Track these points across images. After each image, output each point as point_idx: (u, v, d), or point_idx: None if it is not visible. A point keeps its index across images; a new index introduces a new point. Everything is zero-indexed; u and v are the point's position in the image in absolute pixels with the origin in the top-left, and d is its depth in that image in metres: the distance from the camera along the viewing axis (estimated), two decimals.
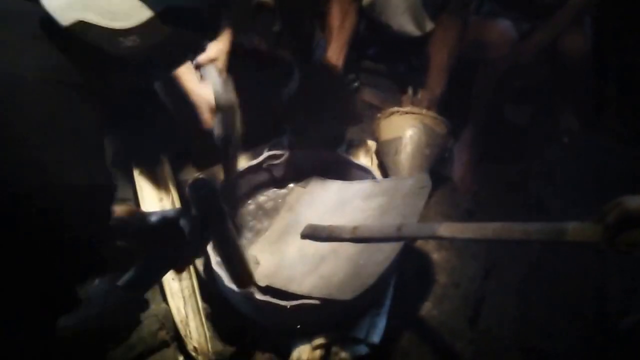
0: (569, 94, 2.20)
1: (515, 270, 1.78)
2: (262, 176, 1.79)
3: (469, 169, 2.03)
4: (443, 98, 1.84)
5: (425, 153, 1.76)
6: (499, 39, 1.83)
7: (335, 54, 1.87)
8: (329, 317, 1.48)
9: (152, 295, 1.64)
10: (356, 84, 1.89)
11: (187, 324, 1.54)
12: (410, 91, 1.89)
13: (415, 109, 1.79)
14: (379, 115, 1.87)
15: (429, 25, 1.97)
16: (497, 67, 1.88)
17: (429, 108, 1.81)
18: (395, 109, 1.82)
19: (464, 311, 1.64)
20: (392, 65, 2.15)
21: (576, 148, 2.19)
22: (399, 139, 1.76)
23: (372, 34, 2.12)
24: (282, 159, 1.75)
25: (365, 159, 1.92)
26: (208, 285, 1.60)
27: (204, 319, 1.56)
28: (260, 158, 1.75)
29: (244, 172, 1.73)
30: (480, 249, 1.78)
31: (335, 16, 1.90)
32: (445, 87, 1.84)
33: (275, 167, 1.77)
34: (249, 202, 1.79)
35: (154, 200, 1.82)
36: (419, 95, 1.86)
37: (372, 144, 1.97)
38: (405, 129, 1.76)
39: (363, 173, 1.76)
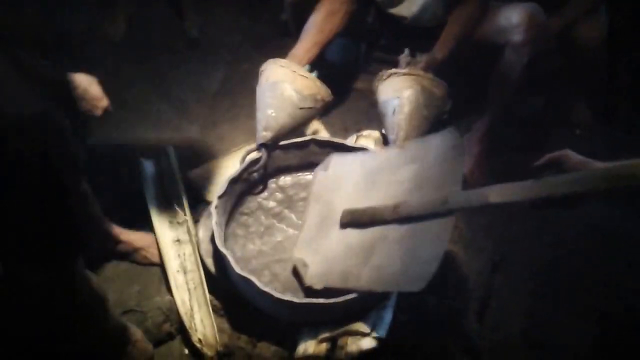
0: (582, 84, 2.16)
1: (524, 265, 1.77)
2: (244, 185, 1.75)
3: (480, 161, 2.00)
4: (442, 64, 1.82)
5: (424, 114, 1.75)
6: (528, 21, 1.78)
7: (302, 51, 1.81)
8: (343, 311, 1.47)
9: (156, 287, 1.65)
10: (313, 75, 1.86)
11: (192, 316, 1.54)
12: (407, 52, 1.87)
13: (413, 71, 1.78)
14: (378, 76, 1.84)
15: (445, 15, 1.93)
16: (524, 53, 1.82)
17: (426, 70, 1.79)
18: (394, 70, 1.80)
19: (472, 305, 1.62)
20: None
21: (589, 140, 2.15)
22: (396, 100, 1.75)
23: (382, 25, 2.09)
24: (261, 162, 1.72)
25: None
26: (216, 278, 1.59)
27: (211, 311, 1.55)
28: (240, 169, 1.70)
29: (231, 183, 1.66)
30: (487, 242, 1.77)
31: (320, 13, 1.85)
32: (447, 55, 1.81)
33: (255, 173, 1.74)
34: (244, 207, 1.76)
35: (158, 193, 1.81)
36: (418, 58, 1.84)
37: (379, 135, 1.95)
38: (403, 90, 1.76)
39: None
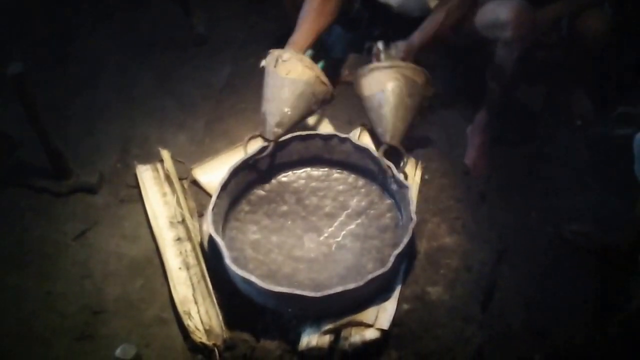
0: (584, 76, 2.15)
1: (529, 254, 1.76)
2: (252, 173, 1.78)
3: (482, 152, 2.00)
4: (420, 52, 1.84)
5: (407, 103, 1.78)
6: (517, 18, 1.78)
7: (301, 39, 1.82)
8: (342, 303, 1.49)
9: (160, 281, 1.66)
10: (321, 64, 1.88)
11: (190, 315, 1.54)
12: (380, 44, 1.87)
13: (394, 62, 1.80)
14: (358, 72, 1.87)
15: (433, 3, 1.93)
16: (515, 48, 1.83)
17: (404, 59, 1.81)
18: (375, 65, 1.82)
19: (476, 296, 1.62)
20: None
21: (590, 131, 2.14)
22: (380, 93, 1.78)
23: (373, 15, 2.09)
24: (267, 151, 1.74)
25: (368, 141, 1.91)
26: (218, 275, 1.60)
27: (215, 302, 1.56)
28: (248, 154, 1.74)
29: (235, 171, 1.70)
30: (491, 233, 1.76)
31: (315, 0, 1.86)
32: (425, 41, 1.83)
33: (261, 160, 1.77)
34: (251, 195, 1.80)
35: (157, 195, 1.83)
36: (392, 47, 1.86)
37: None
38: (386, 82, 1.78)
39: (335, 141, 1.79)
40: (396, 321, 1.51)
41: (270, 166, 1.80)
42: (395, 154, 1.75)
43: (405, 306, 1.56)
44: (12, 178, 1.92)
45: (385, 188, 1.78)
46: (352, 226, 1.72)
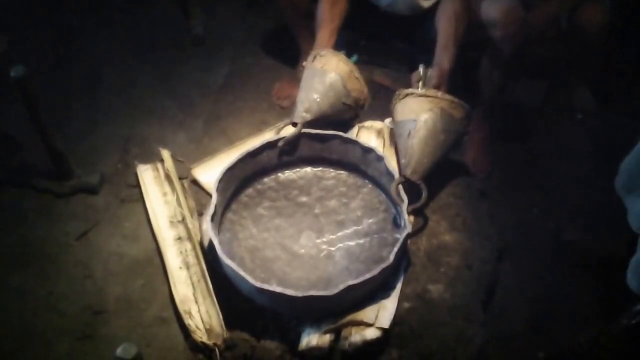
0: (584, 69, 2.13)
1: (531, 252, 1.75)
2: (271, 157, 1.81)
3: (481, 149, 1.99)
4: (452, 73, 1.81)
5: (440, 139, 1.71)
6: (505, 18, 1.79)
7: (324, 39, 1.90)
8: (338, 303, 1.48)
9: (161, 280, 1.66)
10: (354, 58, 1.93)
11: (191, 314, 1.54)
12: (421, 69, 1.85)
13: (431, 92, 1.74)
14: (395, 95, 1.84)
15: (425, 3, 1.93)
16: (505, 47, 1.83)
17: (438, 86, 1.77)
18: (410, 90, 1.78)
19: (477, 294, 1.62)
20: (394, 43, 2.10)
21: (591, 125, 2.12)
22: (412, 122, 1.71)
23: (361, 12, 2.09)
24: (288, 138, 1.77)
25: (377, 141, 1.89)
26: (218, 274, 1.60)
27: (215, 301, 1.56)
28: (275, 137, 1.79)
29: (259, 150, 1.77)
30: (492, 230, 1.75)
31: (325, 3, 1.93)
32: (453, 61, 1.81)
33: (287, 145, 1.80)
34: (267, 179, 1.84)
35: (157, 195, 1.83)
36: (428, 73, 1.82)
37: (383, 125, 1.94)
38: (421, 112, 1.71)
39: (372, 156, 1.74)
40: (397, 320, 1.50)
41: (302, 157, 1.84)
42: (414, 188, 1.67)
43: (406, 304, 1.56)
44: (15, 179, 1.93)
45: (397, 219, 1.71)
46: (352, 243, 1.67)
